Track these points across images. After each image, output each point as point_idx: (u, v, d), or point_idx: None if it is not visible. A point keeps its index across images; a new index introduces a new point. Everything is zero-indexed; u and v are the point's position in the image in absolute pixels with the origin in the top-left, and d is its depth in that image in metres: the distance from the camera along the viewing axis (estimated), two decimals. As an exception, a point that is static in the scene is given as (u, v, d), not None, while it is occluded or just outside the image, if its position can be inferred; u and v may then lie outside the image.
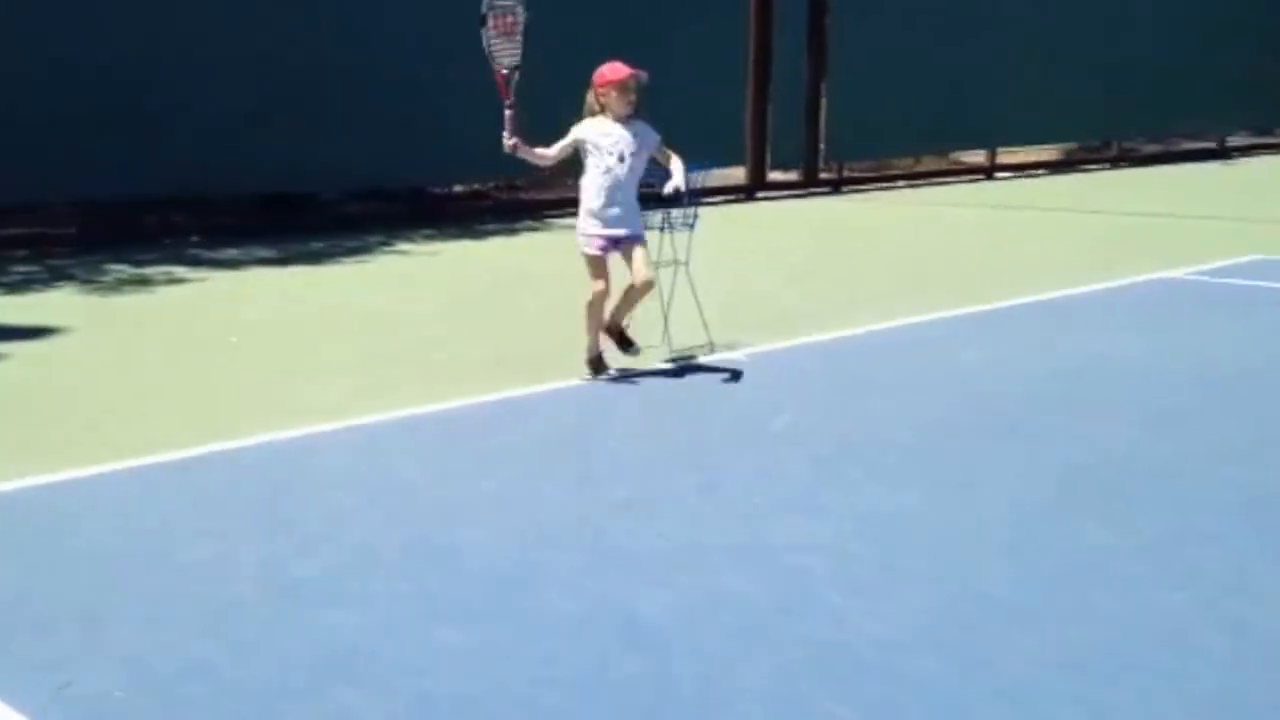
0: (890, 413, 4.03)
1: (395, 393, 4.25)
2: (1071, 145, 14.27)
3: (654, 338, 4.88)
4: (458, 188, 10.55)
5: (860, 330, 5.32)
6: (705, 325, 4.92)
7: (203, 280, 6.77)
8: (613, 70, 4.31)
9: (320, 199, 9.46)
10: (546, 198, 10.08)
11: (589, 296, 4.33)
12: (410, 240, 8.29)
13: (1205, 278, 6.57)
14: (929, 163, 13.05)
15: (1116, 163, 13.95)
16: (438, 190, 10.36)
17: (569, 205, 10.17)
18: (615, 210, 4.27)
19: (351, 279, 6.94)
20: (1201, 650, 2.36)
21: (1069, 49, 12.85)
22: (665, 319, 4.87)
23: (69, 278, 6.75)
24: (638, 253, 4.29)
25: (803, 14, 10.95)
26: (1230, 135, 15.34)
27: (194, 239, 8.10)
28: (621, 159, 4.25)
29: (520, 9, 4.37)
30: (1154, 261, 6.91)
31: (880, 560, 2.80)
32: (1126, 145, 14.31)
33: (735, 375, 4.54)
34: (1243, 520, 3.05)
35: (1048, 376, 4.52)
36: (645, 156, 4.32)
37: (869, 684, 2.24)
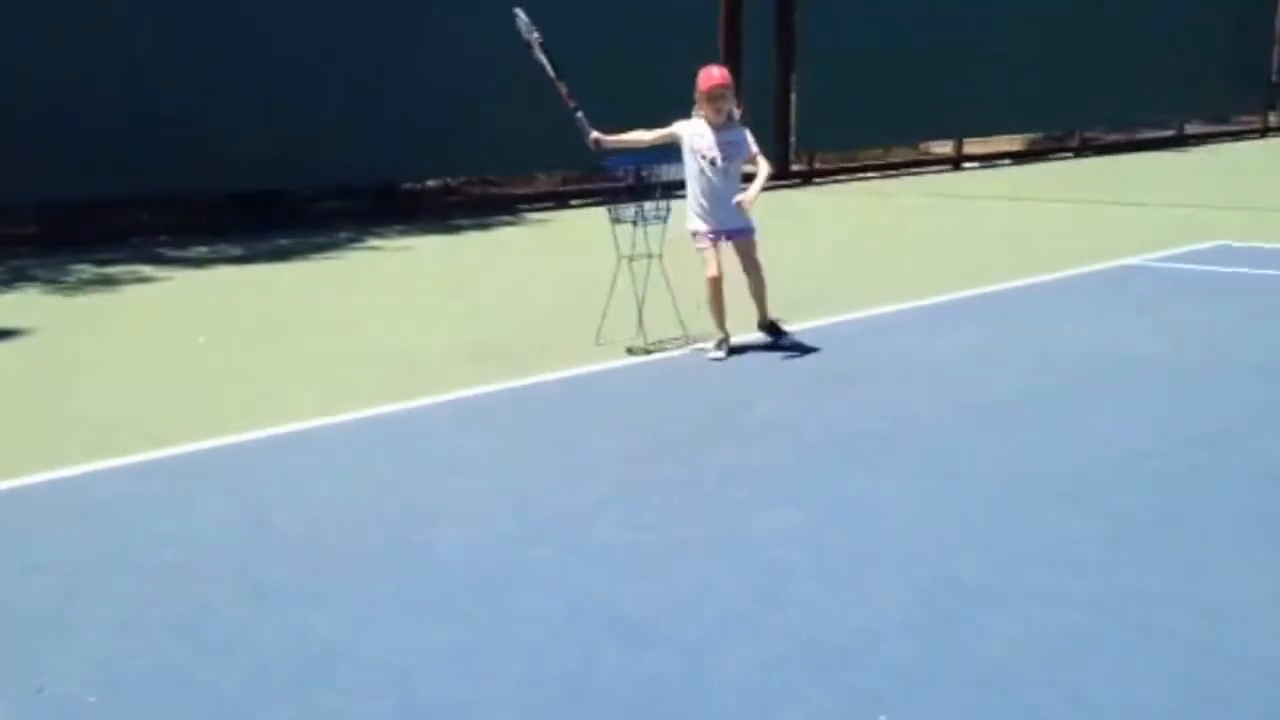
0: (865, 402, 4.05)
1: (369, 391, 4.21)
2: (1036, 135, 14.46)
3: (629, 331, 4.88)
4: (430, 183, 10.46)
5: (834, 320, 5.35)
6: (680, 318, 4.93)
7: (170, 280, 6.66)
8: (704, 78, 4.61)
9: (289, 196, 9.34)
10: (521, 192, 10.03)
11: (706, 285, 4.64)
12: (381, 237, 8.22)
13: (1168, 264, 6.68)
14: (898, 154, 13.16)
15: (1079, 152, 14.16)
16: (409, 186, 10.28)
17: (543, 199, 10.17)
18: (711, 207, 4.61)
19: (322, 276, 6.86)
20: (1172, 632, 2.40)
21: (1032, 41, 13.01)
22: (640, 312, 4.87)
23: (31, 279, 6.62)
24: (740, 249, 4.67)
25: (770, 7, 10.98)
26: (1188, 123, 15.63)
27: (161, 238, 7.97)
28: (714, 163, 4.58)
29: (528, 30, 4.76)
30: (1118, 248, 7.02)
31: (858, 550, 2.82)
32: (1088, 134, 14.52)
33: (711, 367, 4.55)
34: (1210, 503, 3.10)
35: (1019, 364, 4.58)
36: (739, 161, 4.66)
37: (850, 673, 2.26)
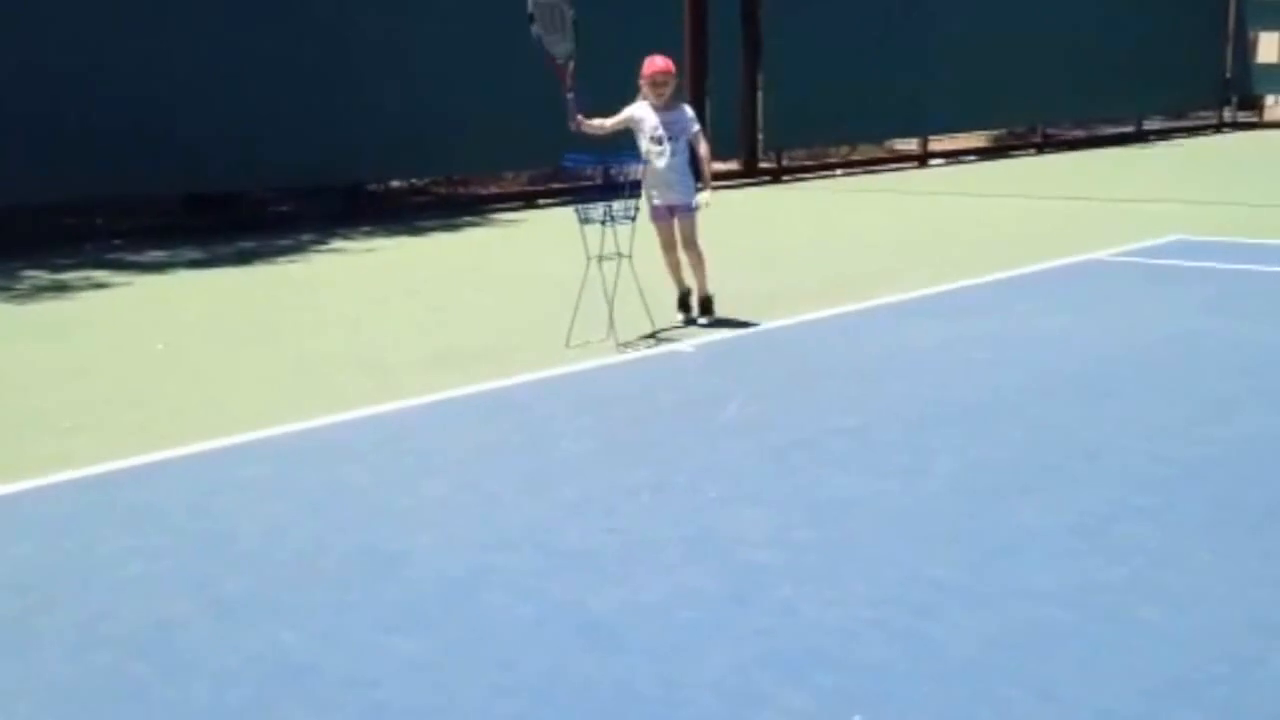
0: (835, 400, 4.07)
1: (333, 396, 4.15)
2: (999, 132, 14.65)
3: (599, 331, 4.86)
4: (395, 183, 10.36)
5: (804, 318, 5.37)
6: (650, 317, 4.91)
7: (127, 285, 6.53)
8: (648, 64, 5.03)
9: (250, 198, 9.20)
10: (488, 192, 9.97)
11: (661, 248, 5.12)
12: (347, 238, 8.12)
13: (1130, 258, 6.79)
14: (864, 151, 13.27)
15: (1042, 148, 14.37)
16: (374, 187, 10.16)
17: (511, 199, 10.11)
18: (659, 182, 5.01)
19: (285, 280, 6.76)
20: (1142, 623, 2.43)
21: (995, 39, 13.18)
22: (610, 312, 4.85)
23: (-19, 285, 6.45)
24: (679, 223, 5.06)
25: (736, 6, 11.01)
26: (1147, 119, 15.93)
27: (116, 242, 7.80)
28: (659, 141, 4.95)
29: (567, 5, 4.88)
30: (1080, 243, 7.12)
31: (830, 549, 2.82)
32: (1051, 131, 14.74)
33: (682, 367, 4.54)
34: (1177, 494, 3.14)
35: (983, 359, 4.62)
36: (683, 140, 5.00)
37: (823, 673, 2.26)
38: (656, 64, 4.99)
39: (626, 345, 4.80)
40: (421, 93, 9.12)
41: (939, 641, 2.36)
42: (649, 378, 4.44)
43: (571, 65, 4.84)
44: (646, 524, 2.99)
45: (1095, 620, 2.43)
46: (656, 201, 5.06)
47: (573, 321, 4.86)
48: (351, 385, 4.30)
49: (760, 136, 11.34)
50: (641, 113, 5.00)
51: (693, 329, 5.09)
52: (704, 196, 5.03)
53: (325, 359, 4.76)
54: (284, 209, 9.30)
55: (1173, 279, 6.28)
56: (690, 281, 5.17)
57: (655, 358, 4.69)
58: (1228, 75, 16.94)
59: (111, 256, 7.32)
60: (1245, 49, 17.02)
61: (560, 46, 4.83)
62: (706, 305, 5.18)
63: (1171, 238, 7.38)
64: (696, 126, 5.02)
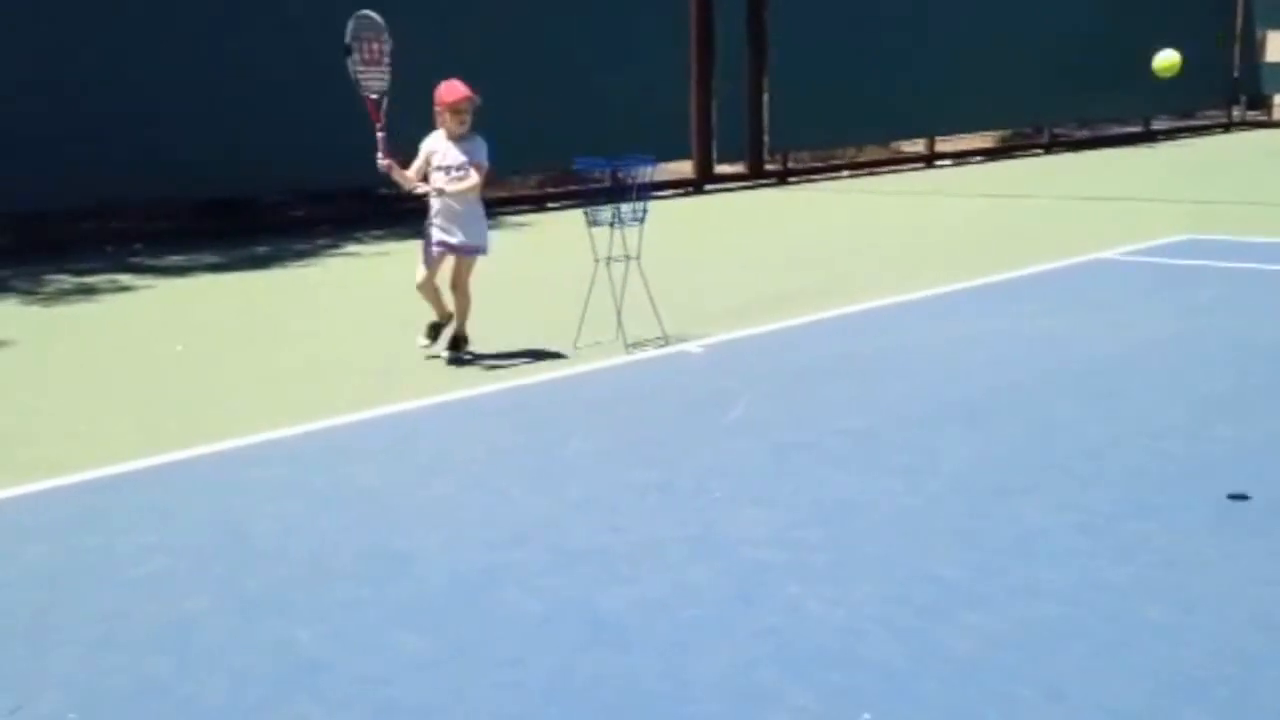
0: (841, 400, 4.08)
1: (347, 395, 4.19)
2: (1006, 132, 14.62)
3: (608, 332, 4.89)
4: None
5: (810, 319, 5.39)
6: (658, 318, 4.94)
7: (148, 288, 6.60)
8: (449, 90, 4.55)
9: (264, 203, 9.27)
10: (498, 195, 10.00)
11: (417, 279, 4.69)
12: (359, 242, 8.17)
13: (1138, 258, 6.78)
14: (871, 152, 13.26)
15: (1049, 148, 14.33)
16: (385, 191, 10.22)
17: (520, 202, 10.15)
18: (446, 222, 4.59)
19: (300, 283, 6.82)
20: (1146, 621, 2.44)
21: (1002, 39, 13.16)
22: (618, 313, 4.88)
23: (9, 290, 6.55)
24: (458, 264, 4.66)
25: (742, 7, 11.03)
26: (1155, 119, 15.87)
27: (137, 246, 7.88)
28: (449, 174, 4.54)
29: (386, 37, 4.58)
30: (1088, 243, 7.11)
31: (835, 548, 2.84)
32: (1058, 131, 14.70)
33: (689, 367, 4.57)
34: (1183, 494, 3.14)
35: (990, 359, 4.63)
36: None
37: (828, 671, 2.28)
38: (459, 90, 4.52)
39: (634, 346, 4.83)
40: (431, 98, 9.15)
41: (945, 640, 2.38)
42: (656, 378, 4.47)
43: (385, 102, 4.52)
44: (653, 523, 3.02)
45: (1101, 619, 2.44)
46: (441, 239, 4.58)
47: (581, 322, 4.89)
48: (364, 386, 4.34)
49: (766, 138, 11.36)
50: (435, 144, 4.58)
51: (699, 330, 5.11)
52: (434, 186, 4.53)
53: (339, 360, 4.80)
54: (299, 213, 9.36)
55: (1181, 278, 6.27)
56: (448, 309, 4.70)
57: (663, 358, 4.72)
58: (1236, 74, 16.86)
59: (132, 261, 7.40)
60: (1254, 48, 16.95)
61: (376, 82, 4.54)
62: (459, 342, 4.70)
63: (1180, 237, 7.37)
64: (484, 158, 4.61)
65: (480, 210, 4.69)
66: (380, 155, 4.51)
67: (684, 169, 10.83)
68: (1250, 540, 2.83)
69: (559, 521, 3.04)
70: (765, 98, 11.26)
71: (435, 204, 4.59)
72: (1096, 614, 2.47)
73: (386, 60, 4.57)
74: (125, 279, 6.80)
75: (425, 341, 4.71)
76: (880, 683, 2.23)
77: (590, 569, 2.74)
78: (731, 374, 4.51)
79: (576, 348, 4.82)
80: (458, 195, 4.56)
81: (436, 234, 4.62)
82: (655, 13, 10.32)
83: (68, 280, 6.75)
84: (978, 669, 2.27)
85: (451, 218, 4.59)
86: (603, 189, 4.71)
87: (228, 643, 2.42)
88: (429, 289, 4.66)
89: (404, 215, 9.48)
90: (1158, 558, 2.74)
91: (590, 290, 4.89)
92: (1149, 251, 6.92)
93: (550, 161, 9.60)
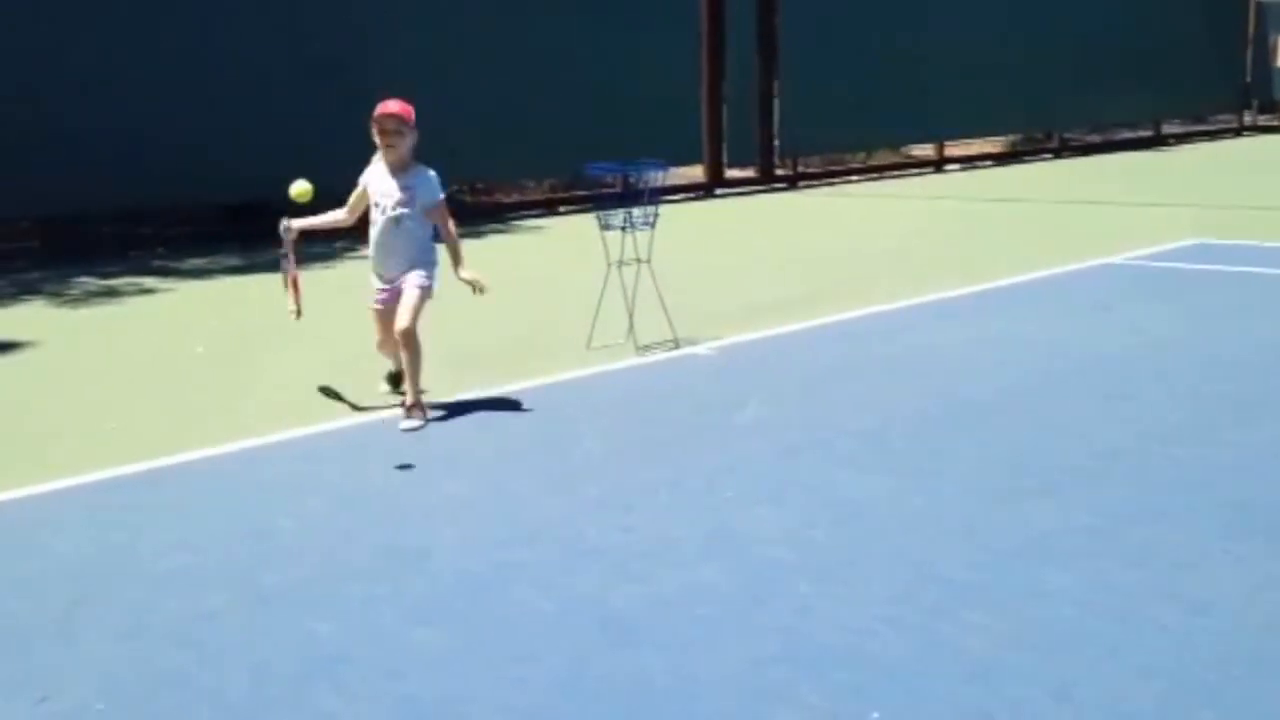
0: (851, 401, 4.11)
1: (363, 396, 4.24)
2: (1016, 136, 14.60)
3: (619, 335, 4.93)
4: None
5: (821, 321, 5.42)
6: (669, 321, 4.98)
7: (171, 290, 6.69)
8: (380, 107, 3.84)
9: (283, 206, 9.36)
10: (511, 200, 10.08)
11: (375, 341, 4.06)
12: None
13: (1148, 262, 6.78)
14: (880, 157, 13.27)
15: (1059, 152, 14.30)
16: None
17: (533, 207, 10.21)
18: (383, 260, 3.92)
19: (318, 285, 6.87)
20: (1156, 625, 2.45)
21: (1013, 42, 13.15)
22: (630, 316, 4.92)
23: (36, 292, 6.64)
24: (403, 299, 3.87)
25: (753, 13, 11.07)
26: (1165, 123, 15.82)
27: (159, 250, 7.98)
28: (385, 212, 3.85)
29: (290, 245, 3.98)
30: (1098, 247, 7.11)
31: (845, 547, 2.87)
32: (1068, 135, 14.67)
33: (700, 369, 4.60)
34: (1193, 497, 3.15)
35: (1000, 362, 4.65)
36: (420, 214, 3.87)
37: (838, 670, 2.30)
38: (387, 106, 3.80)
39: (646, 348, 4.87)
40: (446, 103, 9.24)
41: (954, 640, 2.40)
42: (668, 380, 4.50)
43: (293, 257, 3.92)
44: (665, 522, 3.05)
45: (1111, 621, 2.45)
46: (386, 283, 3.90)
47: (593, 325, 4.94)
48: (380, 387, 4.39)
49: (776, 143, 11.39)
50: (374, 174, 3.89)
51: (710, 333, 5.14)
52: (469, 274, 3.87)
53: (356, 361, 4.85)
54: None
55: (1191, 282, 6.27)
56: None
57: (674, 360, 4.76)
58: (1248, 79, 16.80)
59: (156, 264, 7.49)
60: (1266, 53, 16.88)
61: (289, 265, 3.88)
62: (398, 380, 4.07)
63: (1190, 241, 7.36)
64: (440, 196, 3.88)
65: (429, 244, 3.95)
66: (283, 232, 3.93)
67: (695, 173, 10.87)
68: (1264, 544, 2.84)
69: (571, 520, 3.07)
70: (776, 102, 11.28)
71: (374, 251, 3.94)
72: (1106, 616, 2.48)
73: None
74: (149, 282, 6.88)
75: (387, 388, 4.11)
76: (889, 682, 2.25)
77: (602, 567, 2.78)
78: (742, 376, 4.54)
79: (589, 349, 4.87)
80: (397, 232, 3.85)
81: (384, 279, 3.95)
82: (666, 17, 10.37)
83: (93, 283, 6.84)
84: (987, 669, 2.29)
85: (397, 254, 3.88)
86: (614, 193, 4.75)
87: (248, 637, 2.47)
88: (390, 342, 3.97)
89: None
90: (1167, 560, 2.75)
91: (602, 293, 4.93)
92: (1158, 256, 6.92)
93: (562, 166, 9.66)
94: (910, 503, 3.16)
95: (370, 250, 4.00)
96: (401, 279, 3.93)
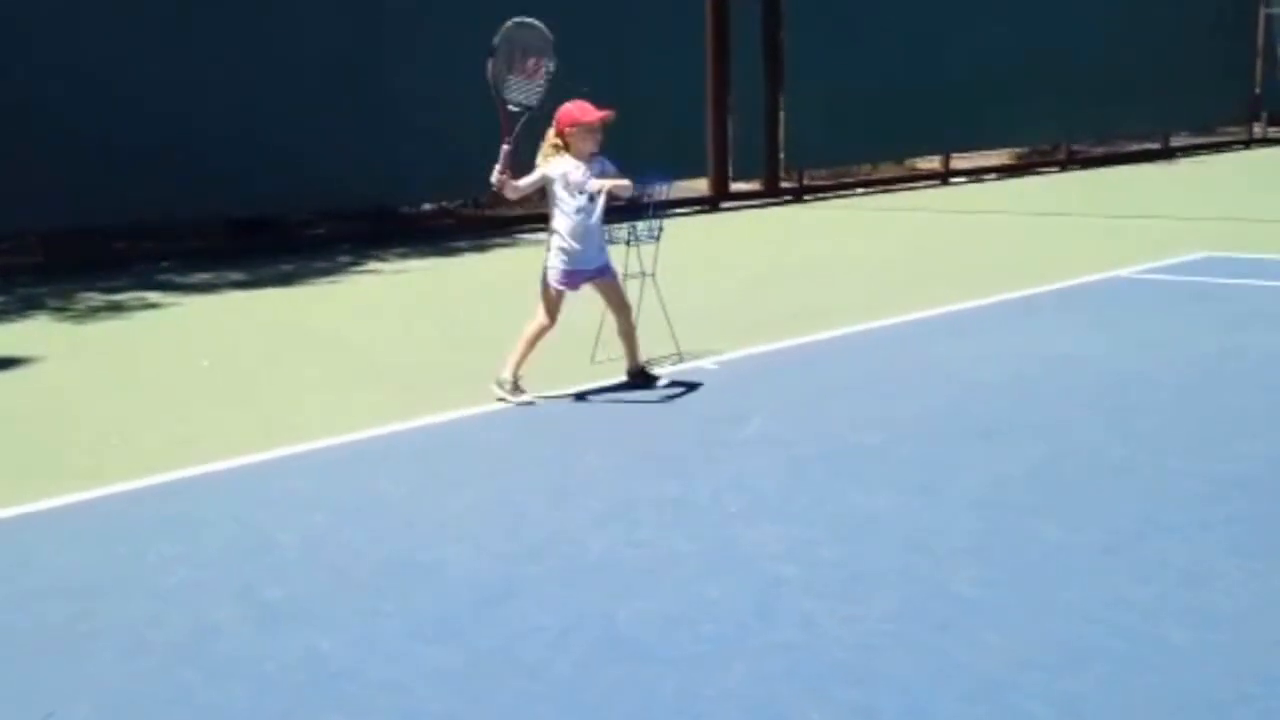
0: (857, 416, 4.10)
1: (369, 411, 4.25)
2: (1022, 149, 14.60)
3: (623, 349, 4.92)
4: (426, 206, 10.54)
5: (826, 335, 5.41)
6: (674, 335, 4.98)
7: (175, 305, 6.72)
8: (581, 111, 4.28)
9: (287, 221, 9.42)
10: (515, 214, 10.12)
11: (533, 327, 4.35)
12: (381, 260, 8.27)
13: (1156, 275, 6.75)
14: (886, 170, 13.28)
15: (1066, 165, 14.29)
16: (406, 209, 10.35)
17: (537, 220, 10.22)
18: (583, 248, 4.31)
19: (322, 300, 6.91)
20: (1165, 642, 2.43)
21: (1018, 56, 13.16)
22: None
23: (40, 306, 6.68)
24: (603, 288, 4.42)
25: (758, 26, 11.11)
26: (1173, 136, 15.80)
27: (164, 264, 8.03)
28: (591, 198, 4.28)
29: (549, 57, 4.31)
30: (1106, 261, 7.09)
31: (851, 563, 2.86)
32: (1075, 148, 14.66)
33: (704, 383, 4.60)
34: (1202, 512, 3.13)
35: (1008, 376, 4.63)
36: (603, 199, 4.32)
37: (843, 687, 2.29)
38: (591, 110, 4.26)
39: (650, 362, 4.87)
40: (450, 117, 9.30)
41: (962, 657, 2.38)
42: (672, 394, 4.50)
43: (523, 118, 4.23)
44: (669, 537, 3.04)
45: (1122, 638, 2.43)
46: (568, 267, 4.28)
47: (597, 338, 4.94)
48: (386, 401, 4.40)
49: (782, 156, 11.41)
50: (565, 167, 4.26)
51: (715, 347, 5.14)
52: (594, 183, 4.25)
53: (361, 375, 4.87)
54: (320, 232, 9.50)
55: (1200, 296, 6.25)
56: (629, 364, 4.46)
57: (678, 374, 4.76)
58: (1257, 90, 16.79)
59: (160, 278, 7.53)
60: (1275, 64, 16.86)
61: (518, 94, 4.23)
62: (644, 373, 4.50)
63: (1199, 254, 7.34)
64: (614, 169, 4.35)
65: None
66: (498, 168, 4.20)
67: (700, 186, 10.89)
68: (1276, 560, 2.82)
69: (576, 535, 3.07)
70: (781, 115, 11.31)
71: (564, 234, 4.27)
72: (1116, 633, 2.46)
73: (543, 80, 4.27)
74: (153, 296, 6.92)
75: (520, 395, 4.29)
76: (896, 700, 2.23)
77: (607, 582, 2.77)
78: (747, 390, 4.54)
79: (593, 363, 4.87)
80: (598, 219, 4.30)
81: (565, 263, 4.28)
82: (672, 30, 10.41)
83: (97, 298, 6.87)
84: (995, 687, 2.27)
85: (594, 242, 4.31)
86: (619, 206, 4.76)
87: (252, 652, 2.46)
88: (539, 338, 4.32)
89: (424, 235, 9.62)
90: (1178, 577, 2.74)
91: (606, 307, 4.93)
92: (1167, 269, 6.90)
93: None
94: (918, 518, 3.14)
95: (567, 235, 4.32)
96: (599, 266, 4.39)
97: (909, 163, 13.68)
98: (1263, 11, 16.59)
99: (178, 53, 7.92)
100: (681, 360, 4.91)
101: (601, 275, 4.40)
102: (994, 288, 6.40)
